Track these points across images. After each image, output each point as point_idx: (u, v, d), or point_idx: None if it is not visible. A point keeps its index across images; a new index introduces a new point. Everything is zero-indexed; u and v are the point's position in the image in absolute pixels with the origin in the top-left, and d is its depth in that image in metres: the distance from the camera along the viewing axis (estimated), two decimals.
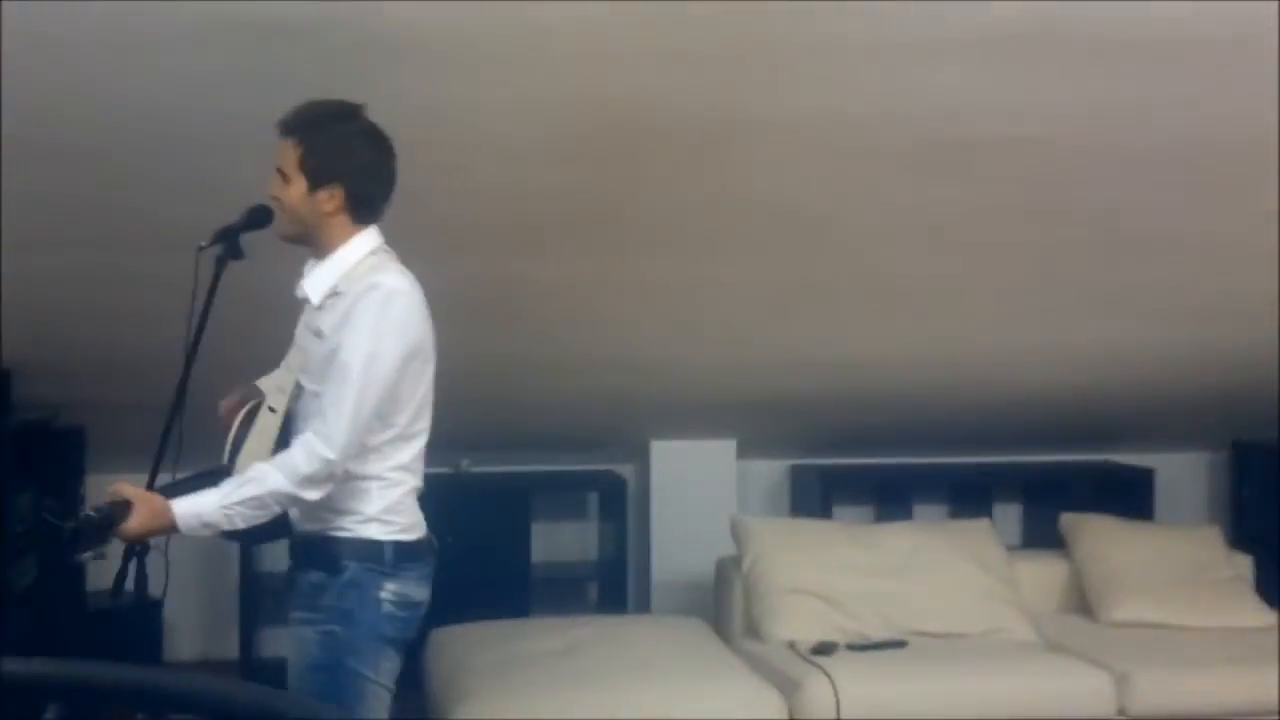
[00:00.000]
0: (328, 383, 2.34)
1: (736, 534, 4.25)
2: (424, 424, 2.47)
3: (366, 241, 2.43)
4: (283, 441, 2.42)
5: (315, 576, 2.41)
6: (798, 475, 5.25)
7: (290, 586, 2.48)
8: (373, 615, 2.38)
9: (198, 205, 3.14)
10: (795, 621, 3.94)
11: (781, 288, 4.04)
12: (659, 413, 4.90)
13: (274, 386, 2.52)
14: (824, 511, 5.00)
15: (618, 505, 4.99)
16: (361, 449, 2.36)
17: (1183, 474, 5.54)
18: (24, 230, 3.36)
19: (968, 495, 5.26)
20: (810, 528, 4.45)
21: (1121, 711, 3.71)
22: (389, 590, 2.39)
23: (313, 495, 2.32)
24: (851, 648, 3.83)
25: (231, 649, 4.91)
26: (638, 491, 5.11)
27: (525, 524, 4.84)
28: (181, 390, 2.51)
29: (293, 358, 2.55)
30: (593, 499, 5.22)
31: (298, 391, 2.45)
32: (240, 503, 2.30)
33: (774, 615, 3.98)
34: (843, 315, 4.26)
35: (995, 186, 3.51)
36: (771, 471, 5.29)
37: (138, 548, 2.63)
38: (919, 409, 4.94)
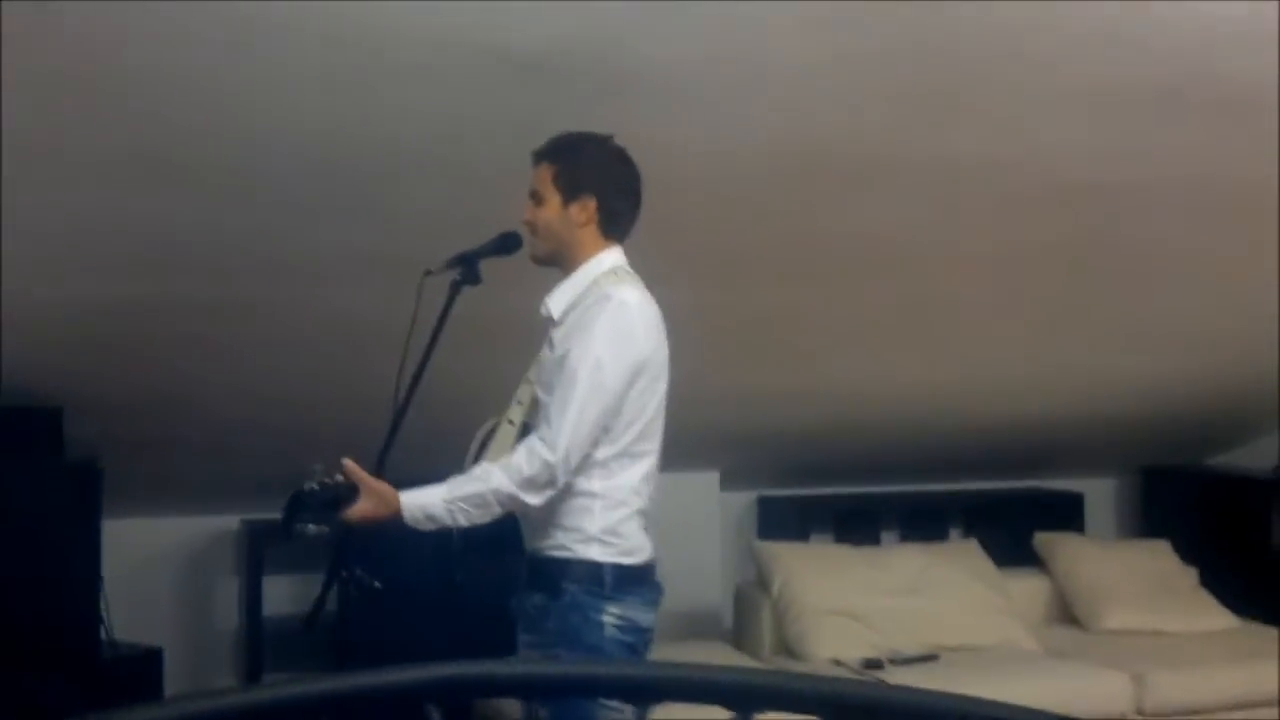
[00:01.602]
0: (554, 388, 2.40)
1: (759, 559, 4.44)
2: (652, 444, 2.50)
3: (609, 259, 2.51)
4: None
5: (538, 599, 2.45)
6: (765, 505, 5.47)
7: (519, 610, 2.51)
8: (596, 639, 2.37)
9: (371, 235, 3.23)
10: (835, 640, 4.15)
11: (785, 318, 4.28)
12: None
13: (514, 401, 2.57)
14: (797, 539, 5.23)
15: None
16: (585, 460, 2.39)
17: (1100, 498, 6.03)
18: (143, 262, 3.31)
19: (920, 521, 5.58)
20: (827, 552, 4.67)
21: (1139, 710, 4.07)
22: (611, 613, 2.39)
23: (533, 499, 2.36)
24: (893, 663, 4.06)
25: None
26: None
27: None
28: (400, 413, 2.53)
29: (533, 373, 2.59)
30: None
31: (534, 403, 2.50)
32: (464, 499, 2.34)
33: (813, 635, 4.17)
34: (833, 347, 4.52)
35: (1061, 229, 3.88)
36: (738, 502, 5.49)
37: (343, 572, 2.64)
38: (880, 440, 5.24)
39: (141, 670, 4.26)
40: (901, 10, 2.80)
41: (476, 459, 2.52)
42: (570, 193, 2.47)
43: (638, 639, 2.46)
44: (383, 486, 2.38)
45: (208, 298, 3.56)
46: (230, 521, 4.73)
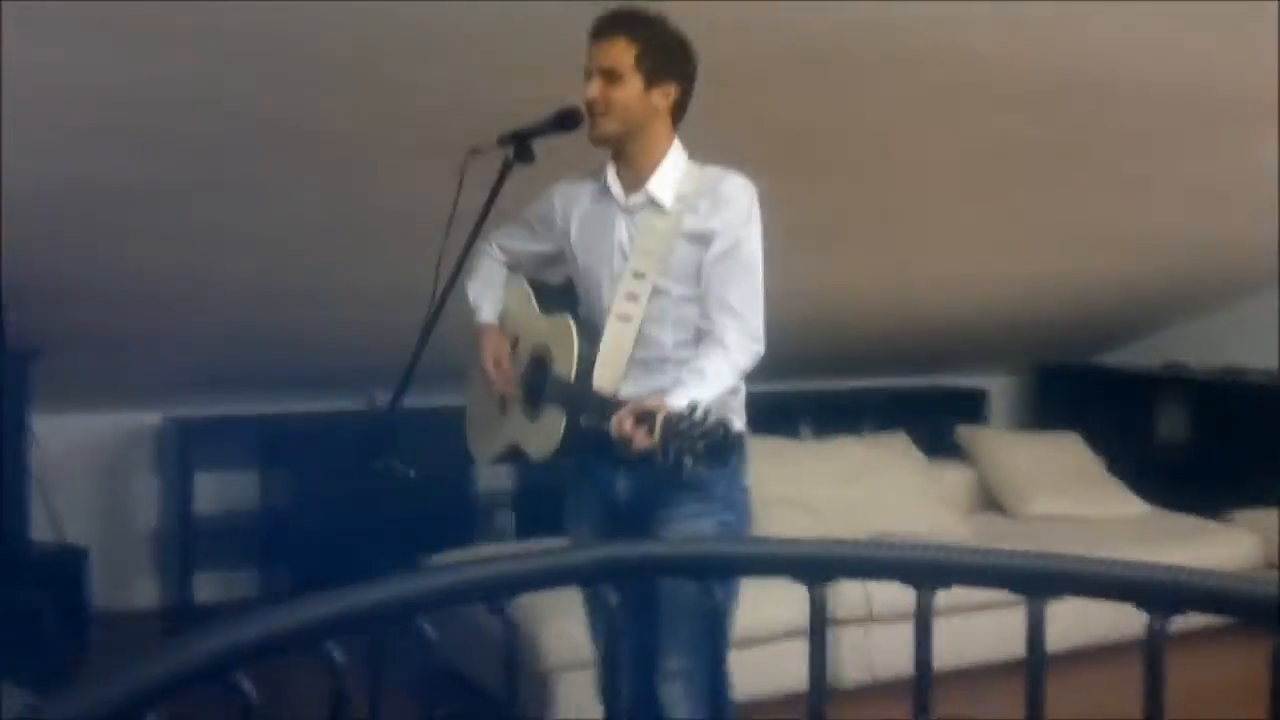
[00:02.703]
0: (733, 282, 2.36)
1: None
2: None
3: (681, 146, 2.44)
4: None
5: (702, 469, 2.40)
6: None
7: (665, 484, 2.38)
8: (745, 503, 2.47)
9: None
10: (786, 529, 4.18)
11: None
12: None
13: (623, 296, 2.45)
14: None
15: None
16: None
17: (1001, 394, 6.25)
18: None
19: (832, 418, 5.66)
20: (773, 444, 4.69)
21: None
22: (747, 479, 2.48)
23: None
24: None
25: (146, 598, 4.57)
26: None
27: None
28: (440, 305, 2.41)
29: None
30: None
31: (651, 296, 2.40)
32: (715, 399, 2.26)
33: (764, 524, 4.21)
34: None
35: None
36: None
37: (378, 463, 2.54)
38: (792, 337, 5.30)
39: (66, 570, 4.06)
40: None
41: (586, 359, 2.40)
42: (653, 77, 2.36)
43: None
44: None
45: (162, 177, 3.31)
46: (152, 418, 4.51)
